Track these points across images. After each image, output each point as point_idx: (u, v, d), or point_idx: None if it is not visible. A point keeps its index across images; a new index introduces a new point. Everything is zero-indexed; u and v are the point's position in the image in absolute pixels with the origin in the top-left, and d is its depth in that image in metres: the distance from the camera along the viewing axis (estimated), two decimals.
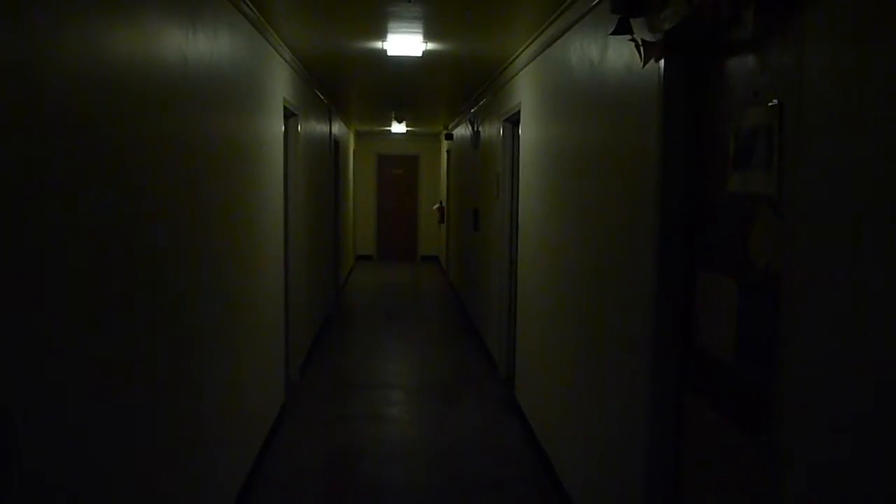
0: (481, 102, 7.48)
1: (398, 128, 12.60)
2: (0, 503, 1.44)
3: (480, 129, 7.89)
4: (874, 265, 1.40)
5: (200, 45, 2.90)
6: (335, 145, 9.42)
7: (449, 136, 11.29)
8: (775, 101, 1.84)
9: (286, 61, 5.20)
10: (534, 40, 4.61)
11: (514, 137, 6.03)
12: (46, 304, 1.63)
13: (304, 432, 4.92)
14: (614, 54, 3.00)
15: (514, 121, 5.94)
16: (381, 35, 4.74)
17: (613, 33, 2.65)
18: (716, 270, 2.24)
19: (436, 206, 14.28)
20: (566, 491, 3.78)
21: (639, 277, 2.68)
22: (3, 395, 1.44)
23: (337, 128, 9.60)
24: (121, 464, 2.09)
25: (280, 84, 4.97)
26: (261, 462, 4.27)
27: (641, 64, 2.51)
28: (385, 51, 5.19)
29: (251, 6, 3.79)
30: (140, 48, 2.21)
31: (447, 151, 12.81)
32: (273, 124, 4.70)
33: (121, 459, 2.09)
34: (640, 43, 2.48)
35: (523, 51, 5.01)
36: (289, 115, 5.54)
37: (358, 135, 14.95)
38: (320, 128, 7.62)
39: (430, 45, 5.06)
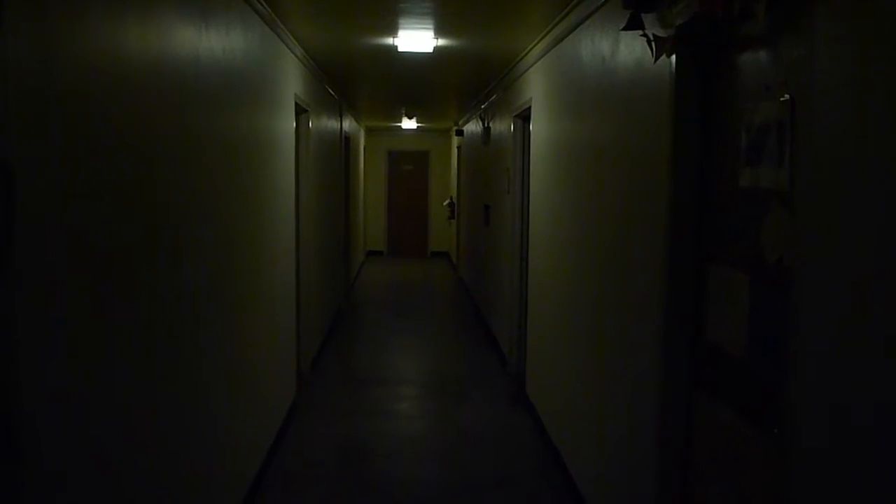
0: (492, 98, 7.48)
1: (408, 124, 12.61)
2: (22, 499, 1.47)
3: (491, 124, 7.89)
4: (886, 261, 1.40)
5: (213, 42, 2.92)
6: (346, 141, 9.44)
7: (459, 132, 11.29)
8: (787, 95, 1.84)
9: (297, 58, 5.22)
10: (545, 36, 4.61)
11: (525, 133, 6.03)
12: (58, 307, 1.65)
13: (315, 426, 4.94)
14: (625, 50, 3.00)
15: (524, 117, 5.93)
16: (392, 31, 4.75)
17: (625, 29, 2.65)
18: (727, 265, 2.24)
19: (446, 202, 14.29)
20: (577, 486, 3.79)
21: (650, 272, 2.68)
22: (28, 400, 1.47)
23: (348, 124, 9.62)
24: (132, 460, 2.11)
25: (291, 80, 4.98)
26: (272, 455, 4.29)
27: (653, 59, 2.51)
28: (396, 47, 5.19)
29: (263, 3, 3.81)
30: (153, 45, 2.23)
31: (457, 147, 12.81)
32: (284, 121, 4.72)
33: (132, 454, 2.11)
34: (651, 38, 2.48)
35: (534, 46, 5.01)
36: (300, 112, 5.56)
37: (368, 131, 14.97)
38: (331, 124, 7.64)
39: (441, 41, 5.06)
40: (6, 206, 1.40)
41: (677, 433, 2.54)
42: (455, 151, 13.52)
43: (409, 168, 15.53)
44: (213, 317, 2.94)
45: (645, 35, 2.54)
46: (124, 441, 2.02)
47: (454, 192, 13.72)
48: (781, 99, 1.86)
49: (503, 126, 6.91)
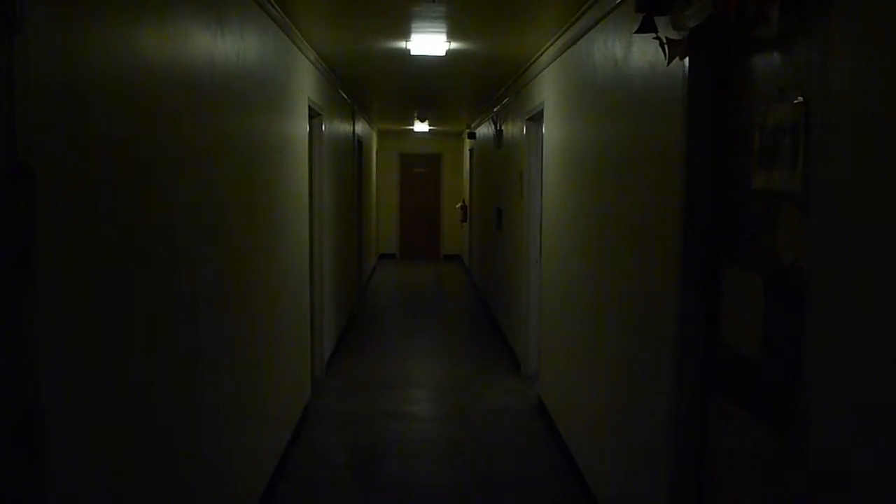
0: (504, 101, 7.49)
1: (421, 127, 12.63)
2: (40, 497, 1.49)
3: (503, 127, 7.90)
4: None
5: (227, 47, 2.95)
6: (358, 144, 9.47)
7: (472, 135, 11.31)
8: (800, 98, 1.84)
9: (311, 61, 5.25)
10: (557, 39, 4.61)
11: (538, 136, 6.04)
12: (74, 309, 1.68)
13: (329, 429, 4.96)
14: (638, 52, 3.00)
15: (537, 119, 5.94)
16: (405, 35, 4.77)
17: (638, 31, 2.65)
18: (741, 267, 2.24)
19: (458, 205, 14.30)
20: (591, 488, 3.79)
21: (664, 275, 2.68)
22: (45, 398, 1.49)
23: (360, 127, 9.65)
24: (147, 460, 2.13)
25: (305, 84, 5.01)
26: (287, 458, 4.31)
27: (666, 62, 2.51)
28: (408, 50, 5.22)
29: (277, 8, 3.84)
30: (170, 51, 2.26)
31: (470, 150, 12.82)
32: (298, 124, 4.74)
33: (147, 454, 2.13)
34: (664, 41, 2.49)
35: (546, 49, 5.01)
36: (313, 115, 5.59)
37: (381, 134, 15.01)
38: (344, 127, 7.67)
39: (454, 45, 5.08)
40: (28, 207, 1.42)
41: (692, 434, 2.53)
42: (467, 154, 13.53)
43: (421, 171, 15.55)
44: (228, 319, 2.96)
45: (658, 38, 2.54)
46: (140, 440, 2.04)
47: (466, 195, 13.74)
48: (795, 101, 1.86)
49: (515, 129, 6.91)
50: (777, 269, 2.00)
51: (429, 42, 4.91)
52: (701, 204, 2.47)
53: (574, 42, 4.21)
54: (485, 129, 9.97)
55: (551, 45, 4.83)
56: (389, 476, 4.20)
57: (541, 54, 5.24)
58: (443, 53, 5.23)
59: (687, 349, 2.51)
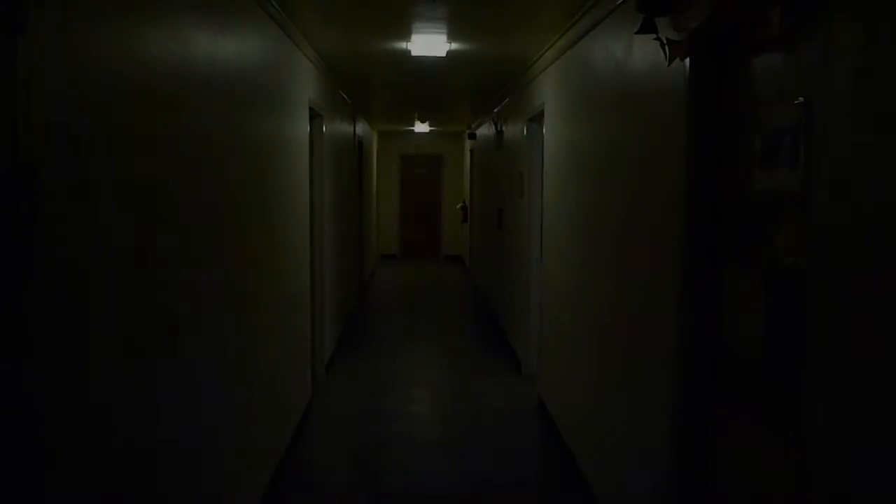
0: (505, 102, 7.49)
1: (421, 128, 12.64)
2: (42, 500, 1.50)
3: (504, 128, 7.90)
4: None
5: (228, 48, 2.95)
6: (359, 145, 9.48)
7: (472, 136, 11.31)
8: (801, 99, 1.84)
9: (311, 62, 5.25)
10: (558, 39, 4.62)
11: (539, 137, 6.04)
12: (77, 308, 1.68)
13: (330, 429, 4.97)
14: (639, 53, 3.00)
15: (538, 120, 5.94)
16: (406, 35, 4.77)
17: (638, 32, 2.65)
18: (742, 268, 2.24)
19: (459, 206, 14.30)
20: (591, 489, 3.79)
21: (665, 276, 2.68)
22: (40, 399, 1.49)
23: (361, 128, 9.66)
24: (149, 461, 2.13)
25: (305, 85, 5.02)
26: (288, 458, 4.31)
27: (667, 63, 2.51)
28: (409, 51, 5.22)
29: (277, 8, 3.84)
30: (171, 50, 2.26)
31: (470, 151, 12.83)
32: (299, 125, 4.75)
33: (150, 455, 2.13)
34: (665, 42, 2.49)
35: (547, 50, 5.02)
36: (314, 116, 5.59)
37: (381, 135, 15.02)
38: (344, 128, 7.68)
39: (455, 46, 5.08)
40: (29, 208, 1.43)
41: (693, 435, 2.53)
42: (468, 155, 13.53)
43: (421, 171, 15.55)
44: (230, 319, 2.96)
45: (659, 38, 2.54)
46: (141, 440, 2.04)
47: (467, 196, 13.74)
48: (796, 102, 1.87)
49: (516, 129, 6.92)
50: (778, 269, 2.00)
51: (429, 43, 4.92)
52: (702, 204, 2.47)
53: (575, 43, 4.22)
54: (485, 130, 9.97)
55: (552, 45, 4.83)
56: (390, 476, 4.20)
57: (541, 55, 5.25)
58: (443, 54, 5.24)
59: (687, 349, 2.51)
